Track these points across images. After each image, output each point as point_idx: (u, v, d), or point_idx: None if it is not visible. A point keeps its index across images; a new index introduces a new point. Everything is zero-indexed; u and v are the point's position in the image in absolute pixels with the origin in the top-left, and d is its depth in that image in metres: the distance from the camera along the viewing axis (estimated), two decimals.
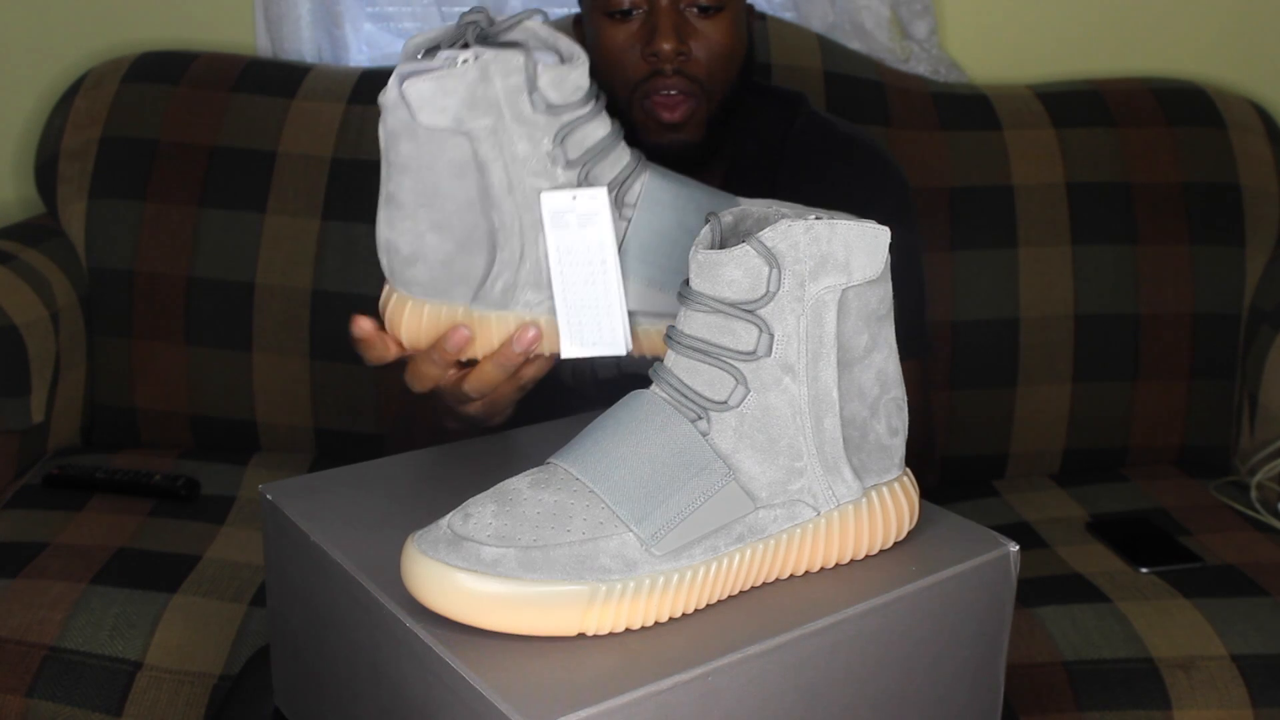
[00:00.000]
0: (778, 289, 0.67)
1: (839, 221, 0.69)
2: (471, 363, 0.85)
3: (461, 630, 0.64)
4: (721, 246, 0.72)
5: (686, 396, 0.68)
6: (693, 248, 0.69)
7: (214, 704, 1.15)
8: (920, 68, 1.75)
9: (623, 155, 0.82)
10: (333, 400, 1.60)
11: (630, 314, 0.82)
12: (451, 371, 0.85)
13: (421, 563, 0.64)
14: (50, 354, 1.51)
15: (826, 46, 1.67)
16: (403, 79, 0.77)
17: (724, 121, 1.13)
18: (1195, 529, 1.42)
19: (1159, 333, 1.60)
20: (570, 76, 0.79)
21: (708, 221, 0.71)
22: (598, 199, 0.79)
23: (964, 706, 0.76)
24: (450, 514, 0.66)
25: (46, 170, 1.63)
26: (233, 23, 1.77)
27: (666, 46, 1.06)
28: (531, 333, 0.81)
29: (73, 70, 1.75)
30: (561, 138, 0.79)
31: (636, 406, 0.69)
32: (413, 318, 0.82)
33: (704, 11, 1.09)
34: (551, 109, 0.79)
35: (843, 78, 1.64)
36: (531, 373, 0.85)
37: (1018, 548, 0.76)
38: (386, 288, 0.84)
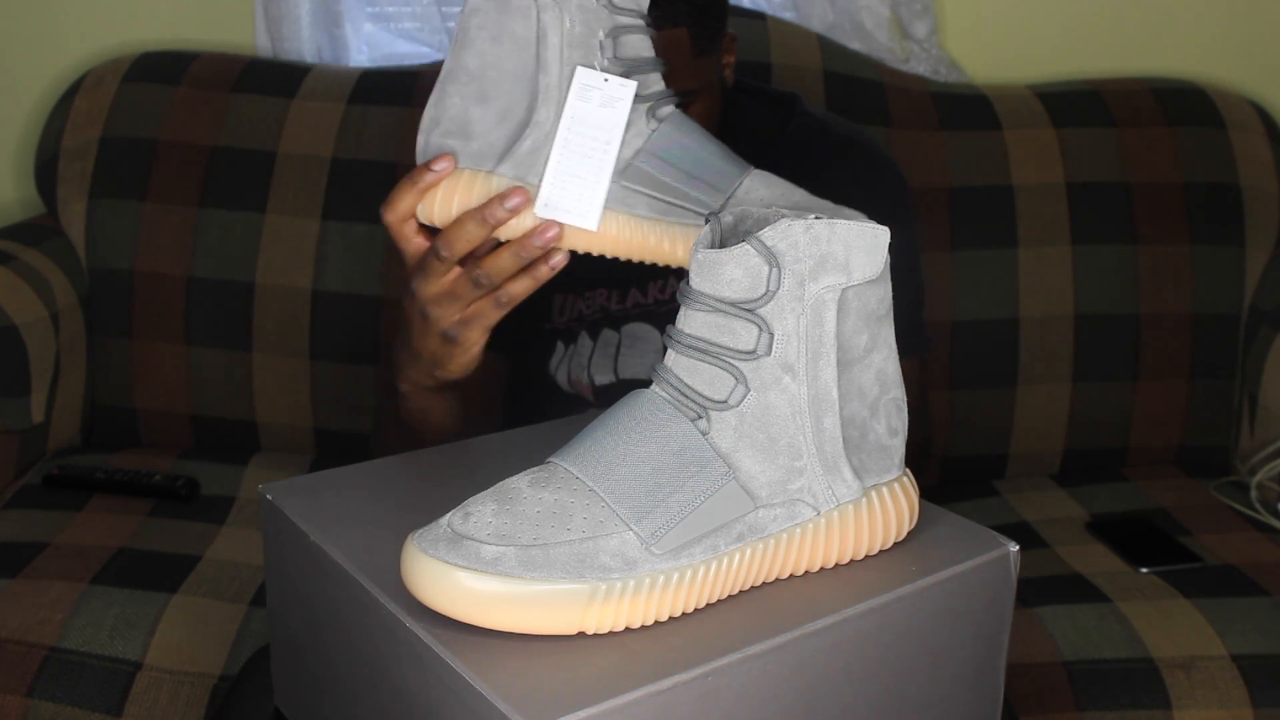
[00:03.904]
0: (778, 288, 0.67)
1: (839, 221, 0.69)
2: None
3: (461, 630, 0.64)
4: (721, 246, 0.72)
5: (686, 396, 0.68)
6: (693, 247, 0.69)
7: (214, 704, 1.15)
8: (920, 68, 1.75)
9: (660, 82, 0.88)
10: (333, 400, 1.59)
11: (630, 189, 0.86)
12: (458, 271, 0.88)
13: (421, 561, 0.64)
14: (50, 354, 1.51)
15: (826, 46, 1.67)
16: None
17: None
18: (1195, 529, 1.42)
19: (1159, 333, 1.60)
20: None
21: (707, 222, 0.71)
22: (626, 88, 0.85)
23: (964, 706, 0.76)
24: (450, 513, 0.66)
25: (46, 170, 1.63)
26: (233, 23, 1.77)
27: None
28: (552, 231, 0.84)
29: (73, 70, 1.75)
30: (615, 36, 0.85)
31: (636, 406, 0.69)
32: (448, 187, 0.87)
33: None
34: (612, 6, 0.85)
35: (843, 78, 1.64)
36: (520, 288, 0.87)
37: (1018, 548, 0.76)
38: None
